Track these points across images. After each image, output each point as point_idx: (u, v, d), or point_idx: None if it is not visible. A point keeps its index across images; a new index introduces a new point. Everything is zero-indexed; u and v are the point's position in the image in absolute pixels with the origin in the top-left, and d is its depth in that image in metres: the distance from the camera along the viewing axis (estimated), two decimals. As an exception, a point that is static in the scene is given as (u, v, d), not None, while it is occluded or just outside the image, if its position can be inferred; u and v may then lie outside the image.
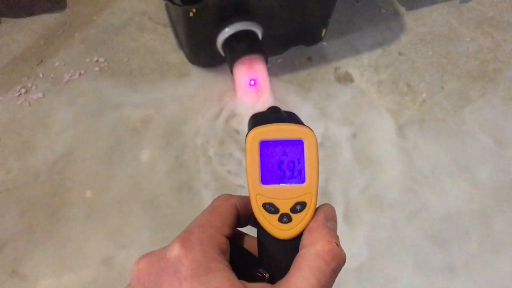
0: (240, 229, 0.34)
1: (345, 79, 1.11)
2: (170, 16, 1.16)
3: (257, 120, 0.32)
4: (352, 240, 0.91)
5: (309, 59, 1.13)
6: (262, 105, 0.99)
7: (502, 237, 0.93)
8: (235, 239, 0.32)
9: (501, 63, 1.16)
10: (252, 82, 0.97)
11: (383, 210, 0.94)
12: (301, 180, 0.30)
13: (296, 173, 0.30)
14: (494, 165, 1.01)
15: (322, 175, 0.96)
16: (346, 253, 0.29)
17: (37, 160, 0.95)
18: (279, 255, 0.30)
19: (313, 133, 0.30)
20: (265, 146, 0.30)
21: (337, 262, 0.28)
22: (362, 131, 1.03)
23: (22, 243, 0.87)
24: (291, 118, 0.32)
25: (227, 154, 0.98)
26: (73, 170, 0.95)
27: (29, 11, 1.13)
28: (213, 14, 0.93)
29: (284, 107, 0.34)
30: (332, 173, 0.97)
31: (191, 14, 0.91)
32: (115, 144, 0.98)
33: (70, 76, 1.06)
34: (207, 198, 0.92)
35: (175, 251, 0.26)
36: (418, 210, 0.95)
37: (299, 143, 0.30)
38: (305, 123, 0.31)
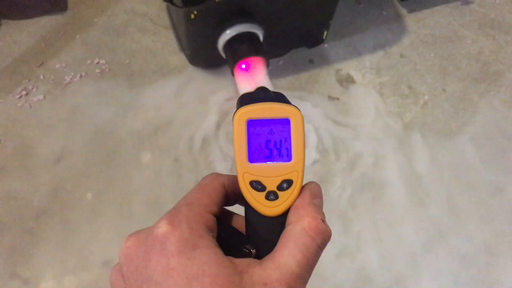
0: (229, 208, 0.34)
1: (347, 81, 1.11)
2: (171, 18, 1.16)
3: (245, 99, 0.32)
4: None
5: (311, 61, 1.13)
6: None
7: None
8: (223, 218, 0.33)
9: (503, 65, 1.16)
10: (243, 66, 0.96)
11: (380, 210, 0.94)
12: (288, 158, 0.30)
13: (283, 152, 0.30)
14: (495, 168, 1.01)
15: (321, 177, 0.96)
16: None
17: (37, 162, 0.95)
18: (266, 232, 0.30)
19: (300, 112, 0.30)
20: (252, 125, 0.30)
21: (323, 237, 0.28)
22: (363, 133, 1.03)
23: (22, 245, 0.87)
24: (279, 98, 0.32)
25: (228, 157, 0.97)
26: (73, 172, 0.94)
27: (30, 13, 1.13)
28: (215, 16, 0.93)
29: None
30: (331, 175, 0.97)
31: (193, 16, 0.91)
32: (116, 146, 0.98)
33: (71, 78, 1.05)
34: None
35: (163, 228, 0.27)
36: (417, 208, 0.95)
37: (285, 122, 0.30)
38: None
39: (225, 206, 0.33)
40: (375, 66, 1.13)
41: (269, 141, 0.30)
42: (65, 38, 1.12)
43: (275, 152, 0.30)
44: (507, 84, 1.13)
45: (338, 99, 1.07)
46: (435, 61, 1.16)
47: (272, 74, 1.07)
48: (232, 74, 0.99)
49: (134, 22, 1.15)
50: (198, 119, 1.02)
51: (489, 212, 0.96)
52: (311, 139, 1.00)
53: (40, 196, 0.92)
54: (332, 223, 0.89)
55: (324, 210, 0.30)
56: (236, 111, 0.31)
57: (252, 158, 0.30)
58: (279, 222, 0.30)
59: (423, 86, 1.11)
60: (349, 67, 1.13)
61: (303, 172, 0.30)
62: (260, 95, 0.32)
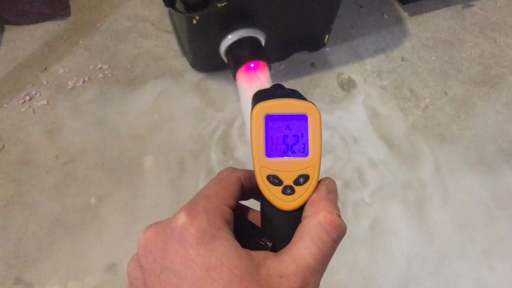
0: (243, 202, 0.34)
1: (348, 84, 1.11)
2: (173, 23, 1.16)
3: (262, 95, 0.32)
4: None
5: (312, 65, 1.14)
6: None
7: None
8: (239, 211, 0.33)
9: (505, 68, 1.16)
10: (252, 65, 0.96)
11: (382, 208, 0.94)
12: (305, 153, 0.31)
13: (299, 147, 0.31)
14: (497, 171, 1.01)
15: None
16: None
17: (41, 167, 0.96)
18: (282, 225, 0.31)
19: (317, 108, 0.31)
20: (270, 120, 0.31)
21: (338, 232, 0.29)
22: (363, 136, 1.03)
23: (26, 250, 0.87)
24: (296, 94, 0.33)
25: (230, 162, 0.98)
26: (77, 177, 0.95)
27: (33, 18, 1.14)
28: (217, 21, 0.94)
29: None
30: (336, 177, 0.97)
31: (195, 21, 0.92)
32: (119, 150, 0.98)
33: (74, 83, 1.06)
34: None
35: (182, 219, 0.27)
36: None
37: (303, 118, 0.31)
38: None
39: (240, 200, 0.33)
40: (376, 70, 1.14)
41: (287, 137, 0.31)
42: (68, 43, 1.13)
43: (292, 148, 0.31)
44: (509, 87, 1.13)
45: (339, 102, 1.07)
46: (436, 64, 1.16)
47: (274, 78, 1.08)
48: (234, 78, 0.99)
49: (136, 27, 1.16)
50: (201, 123, 1.02)
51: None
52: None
53: (43, 201, 0.92)
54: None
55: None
56: (253, 106, 0.31)
57: (269, 153, 0.31)
58: (295, 216, 0.30)
59: (425, 89, 1.11)
60: (351, 71, 1.13)
61: (319, 167, 0.31)
62: (277, 91, 0.33)
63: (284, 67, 1.13)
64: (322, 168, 0.33)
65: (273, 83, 0.34)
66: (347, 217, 0.93)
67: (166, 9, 1.17)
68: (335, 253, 0.29)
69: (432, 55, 1.17)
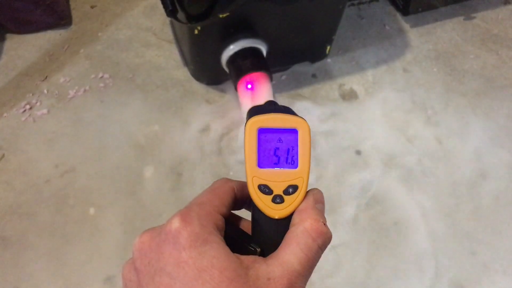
0: (235, 212, 0.36)
1: (350, 95, 1.11)
2: (175, 33, 1.16)
3: (256, 110, 0.34)
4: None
5: (314, 75, 1.13)
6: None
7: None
8: (231, 220, 0.35)
9: (506, 80, 1.16)
10: (249, 86, 0.96)
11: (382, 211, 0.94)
12: (294, 165, 0.33)
13: (290, 159, 0.33)
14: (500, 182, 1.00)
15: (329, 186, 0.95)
16: None
17: (40, 176, 0.95)
18: (271, 232, 0.33)
19: (307, 123, 0.33)
20: (263, 133, 0.33)
21: (323, 239, 0.30)
22: (366, 148, 1.03)
23: (24, 261, 0.87)
24: (287, 110, 0.35)
25: (230, 173, 0.97)
26: (76, 187, 0.94)
27: (35, 27, 1.14)
28: (218, 32, 0.94)
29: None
30: (340, 188, 0.97)
31: (196, 32, 0.92)
32: (119, 160, 0.98)
33: (74, 92, 1.06)
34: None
35: (175, 224, 0.29)
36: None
37: (293, 132, 0.33)
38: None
39: (233, 210, 0.35)
40: (378, 81, 1.13)
41: (278, 149, 0.33)
42: (69, 52, 1.12)
43: (282, 159, 0.33)
44: (510, 99, 1.12)
45: (341, 114, 1.07)
46: (438, 76, 1.16)
47: (275, 88, 1.08)
48: (235, 89, 0.99)
49: (138, 37, 1.16)
50: (200, 133, 1.02)
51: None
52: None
53: (42, 211, 0.91)
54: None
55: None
56: (247, 120, 0.33)
57: (261, 164, 0.33)
58: (284, 224, 0.32)
59: (426, 101, 1.11)
60: (352, 82, 1.13)
61: (308, 178, 0.33)
62: (270, 107, 0.35)
63: (285, 77, 1.13)
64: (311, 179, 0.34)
65: (268, 100, 0.36)
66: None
67: (167, 19, 1.17)
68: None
69: (433, 66, 1.17)
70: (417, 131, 1.06)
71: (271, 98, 0.99)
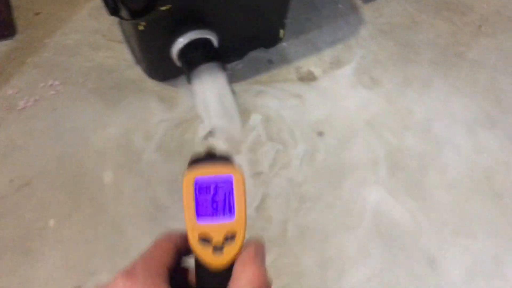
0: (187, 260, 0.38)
1: (308, 78, 1.09)
2: (123, 32, 1.13)
3: (194, 162, 0.37)
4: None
5: (270, 61, 1.11)
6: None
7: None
8: (177, 272, 0.36)
9: (462, 46, 1.16)
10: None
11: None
12: (232, 213, 0.34)
13: (226, 209, 0.34)
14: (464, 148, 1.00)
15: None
16: None
17: (-5, 193, 0.92)
18: (214, 283, 0.34)
19: (241, 171, 0.35)
20: (199, 182, 0.35)
21: (265, 287, 0.32)
22: (328, 129, 1.02)
23: (-14, 282, 0.83)
24: (225, 159, 0.37)
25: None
26: (33, 200, 0.91)
27: (-23, 40, 1.10)
28: (165, 25, 0.91)
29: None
30: (309, 175, 0.95)
31: (142, 28, 0.89)
32: (76, 168, 0.95)
33: (24, 103, 1.02)
34: (173, 211, 0.89)
35: (120, 285, 0.30)
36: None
37: (229, 179, 0.35)
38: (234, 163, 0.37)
39: (182, 256, 0.36)
40: (335, 61, 1.12)
41: (215, 196, 0.34)
42: (16, 62, 1.08)
43: (220, 208, 0.34)
44: (467, 65, 1.12)
45: (300, 96, 1.05)
46: (394, 49, 1.15)
47: (232, 77, 1.06)
48: (189, 82, 0.97)
49: (86, 40, 1.12)
50: (159, 133, 0.99)
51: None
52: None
53: (0, 229, 0.88)
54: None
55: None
56: (185, 173, 0.35)
57: (199, 215, 0.34)
58: (225, 274, 0.33)
59: (385, 76, 1.10)
60: (309, 63, 1.11)
61: (245, 226, 0.34)
62: (208, 158, 0.37)
63: (241, 66, 1.10)
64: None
65: (207, 151, 0.38)
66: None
67: (115, 19, 1.13)
68: None
69: (389, 40, 1.16)
70: (379, 107, 1.06)
71: (226, 90, 0.98)
